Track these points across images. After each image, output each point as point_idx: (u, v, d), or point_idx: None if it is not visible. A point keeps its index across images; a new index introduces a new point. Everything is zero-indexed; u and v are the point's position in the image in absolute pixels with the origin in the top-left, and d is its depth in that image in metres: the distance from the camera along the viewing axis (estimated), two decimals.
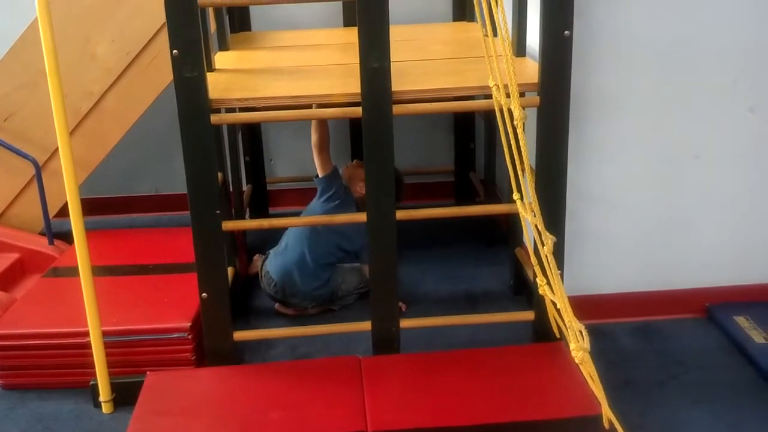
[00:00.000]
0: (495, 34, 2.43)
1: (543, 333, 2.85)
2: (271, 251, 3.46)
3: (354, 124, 4.34)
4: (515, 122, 2.13)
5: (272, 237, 3.66)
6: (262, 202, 4.43)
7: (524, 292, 3.41)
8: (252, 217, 4.27)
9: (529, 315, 2.92)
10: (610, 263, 3.19)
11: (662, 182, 3.08)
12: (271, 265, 3.38)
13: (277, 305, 3.43)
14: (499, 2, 2.32)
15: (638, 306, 3.21)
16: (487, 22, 2.38)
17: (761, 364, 2.84)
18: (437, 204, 4.24)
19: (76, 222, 2.61)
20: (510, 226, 3.58)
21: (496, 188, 3.90)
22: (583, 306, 3.15)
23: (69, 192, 2.59)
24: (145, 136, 4.16)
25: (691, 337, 3.10)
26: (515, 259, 3.43)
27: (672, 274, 3.20)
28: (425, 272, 3.73)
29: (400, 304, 3.36)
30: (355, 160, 3.63)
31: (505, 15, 2.32)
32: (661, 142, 3.02)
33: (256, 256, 3.70)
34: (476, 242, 4.04)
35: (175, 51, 2.48)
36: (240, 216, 3.73)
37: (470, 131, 4.34)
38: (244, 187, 4.10)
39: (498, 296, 3.51)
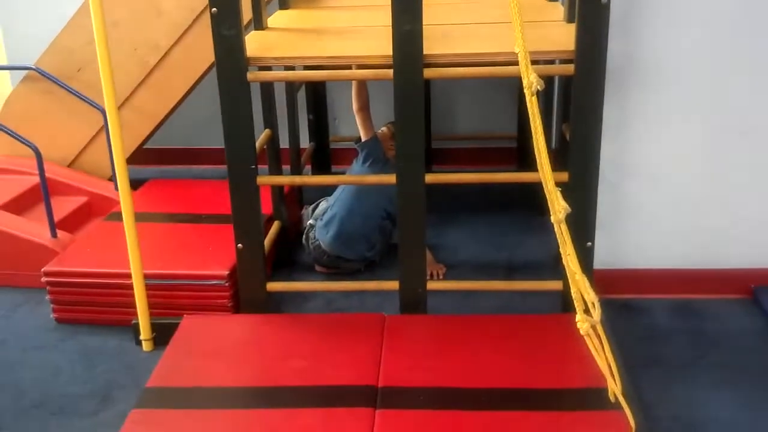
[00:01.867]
0: None
1: (571, 303, 2.82)
2: (317, 222, 3.48)
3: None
4: (525, 91, 2.12)
5: (330, 193, 3.68)
6: (324, 160, 4.52)
7: None
8: (314, 173, 4.38)
9: (557, 284, 2.90)
10: (652, 238, 3.12)
11: (708, 157, 2.99)
12: (321, 236, 3.41)
13: (318, 267, 3.52)
14: None
15: (679, 283, 3.14)
16: None
17: None
18: (498, 169, 4.23)
19: (120, 169, 2.75)
20: None
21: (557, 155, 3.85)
22: (622, 280, 3.15)
23: (113, 139, 2.74)
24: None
25: (730, 318, 3.02)
26: None
27: (717, 252, 3.11)
28: (471, 237, 3.74)
29: (441, 266, 3.42)
30: (388, 123, 3.65)
31: None
32: (707, 116, 2.93)
33: (303, 210, 3.80)
34: (529, 210, 4.01)
35: (214, 9, 2.56)
36: (297, 172, 3.83)
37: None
38: (306, 145, 4.20)
39: (539, 265, 3.50)
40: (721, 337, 2.91)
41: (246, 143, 2.74)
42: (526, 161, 4.33)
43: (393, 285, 2.91)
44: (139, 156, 4.16)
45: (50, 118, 3.99)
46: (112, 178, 3.98)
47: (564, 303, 2.90)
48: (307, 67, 2.88)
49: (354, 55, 2.69)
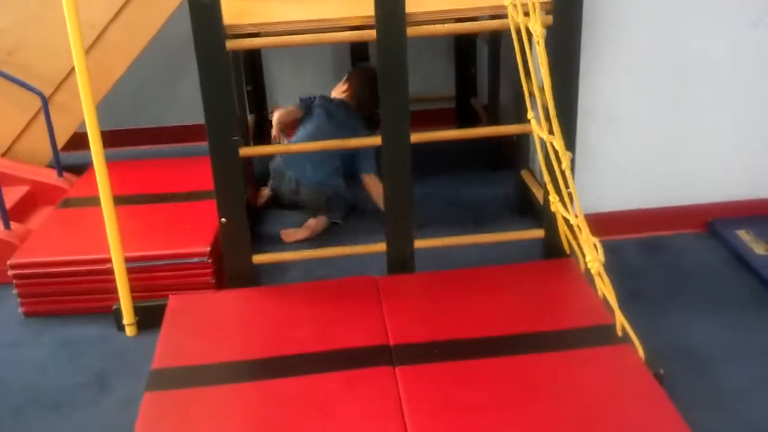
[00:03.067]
0: None
1: (553, 250, 2.93)
2: (277, 157, 3.64)
3: (356, 48, 4.36)
4: (536, 39, 2.16)
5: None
6: (263, 131, 4.45)
7: (531, 213, 3.48)
8: (256, 144, 4.30)
9: (539, 233, 2.99)
10: (615, 181, 3.25)
11: (666, 97, 3.12)
12: (283, 161, 3.56)
13: (282, 233, 3.51)
14: None
15: (643, 222, 3.30)
16: None
17: (763, 275, 2.94)
18: (439, 130, 4.29)
19: (96, 149, 2.63)
20: (515, 149, 3.64)
21: (498, 113, 3.94)
22: (589, 223, 3.27)
23: (88, 117, 2.61)
24: (145, 69, 4.15)
25: (694, 252, 3.21)
26: (521, 181, 3.49)
27: (676, 190, 3.28)
28: (431, 196, 3.79)
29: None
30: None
31: None
32: (664, 56, 3.05)
33: (265, 190, 3.76)
34: (479, 167, 4.10)
35: None
36: (247, 144, 3.77)
37: (471, 56, 4.36)
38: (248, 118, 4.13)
39: (504, 218, 3.58)
40: (691, 270, 3.09)
41: (227, 114, 2.67)
42: (466, 120, 4.44)
43: (380, 247, 2.93)
44: (76, 140, 3.97)
45: None
46: (53, 165, 3.81)
47: (546, 249, 3.00)
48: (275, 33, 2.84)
49: (335, 17, 2.66)
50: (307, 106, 3.70)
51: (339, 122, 3.60)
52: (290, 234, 3.50)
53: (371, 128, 3.71)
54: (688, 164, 3.24)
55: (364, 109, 3.75)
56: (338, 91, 3.84)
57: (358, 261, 3.17)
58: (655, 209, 3.29)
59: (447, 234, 3.35)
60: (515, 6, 2.38)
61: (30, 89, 3.65)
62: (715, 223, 3.29)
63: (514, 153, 3.70)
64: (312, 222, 3.53)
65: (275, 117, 3.68)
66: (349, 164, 3.57)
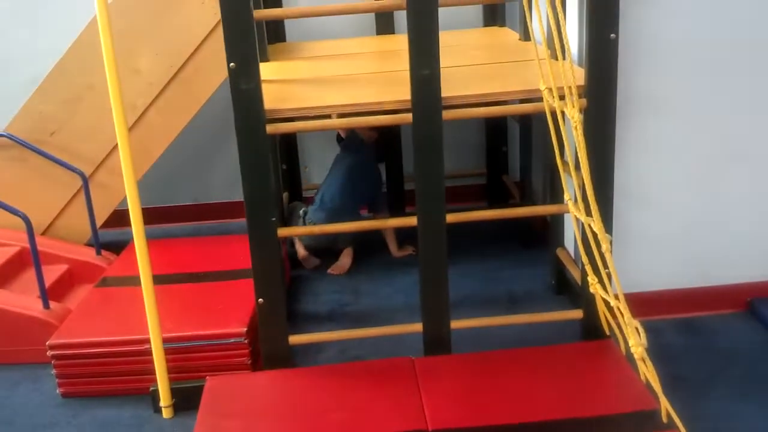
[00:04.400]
0: (528, 39, 2.47)
1: (592, 331, 2.90)
2: (309, 209, 3.96)
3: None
4: (574, 124, 2.19)
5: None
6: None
7: (566, 292, 3.46)
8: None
9: (577, 314, 2.97)
10: (651, 260, 3.23)
11: (701, 180, 3.13)
12: (316, 217, 3.86)
13: (301, 256, 3.95)
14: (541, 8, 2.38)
15: (680, 302, 3.26)
16: (537, 27, 2.44)
17: None
18: (470, 207, 4.31)
19: (137, 230, 2.67)
20: (548, 228, 3.64)
21: (531, 191, 3.95)
22: (627, 304, 3.24)
23: (129, 196, 2.65)
24: (184, 147, 4.24)
25: (734, 332, 3.15)
26: (556, 260, 3.48)
27: (714, 269, 3.25)
28: (464, 275, 3.78)
29: (408, 248, 4.02)
30: None
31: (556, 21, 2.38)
32: (700, 141, 3.07)
33: (306, 255, 3.99)
34: (510, 245, 4.10)
35: (232, 64, 2.54)
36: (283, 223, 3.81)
37: (503, 135, 4.40)
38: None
39: (539, 297, 3.56)
40: (731, 351, 3.03)
41: (266, 196, 2.71)
42: (497, 197, 4.46)
43: (416, 327, 2.92)
44: (113, 217, 4.03)
45: (22, 184, 3.84)
46: (92, 243, 3.86)
47: (584, 331, 2.97)
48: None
49: (372, 101, 2.71)
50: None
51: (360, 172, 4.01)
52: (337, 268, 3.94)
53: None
54: (725, 243, 3.22)
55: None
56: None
57: (393, 339, 3.15)
58: (693, 289, 3.25)
59: (481, 313, 3.33)
60: (551, 90, 2.42)
61: (71, 169, 3.73)
62: (754, 302, 3.24)
63: (546, 231, 3.70)
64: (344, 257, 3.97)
65: None
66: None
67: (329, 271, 3.94)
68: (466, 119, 4.53)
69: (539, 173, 3.77)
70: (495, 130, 4.40)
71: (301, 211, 3.95)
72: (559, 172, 2.77)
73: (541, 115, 2.98)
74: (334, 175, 4.03)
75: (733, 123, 3.07)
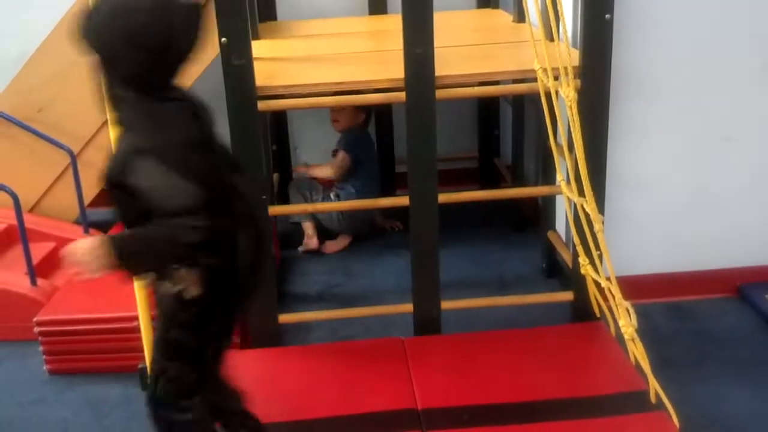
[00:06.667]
0: (522, 20, 2.45)
1: (582, 313, 2.90)
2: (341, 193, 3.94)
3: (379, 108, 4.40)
4: (568, 102, 2.18)
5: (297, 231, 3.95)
6: (287, 189, 4.46)
7: (557, 275, 3.46)
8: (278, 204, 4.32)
9: (567, 295, 2.97)
10: (642, 244, 3.22)
11: (693, 163, 3.12)
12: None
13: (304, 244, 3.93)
14: None
15: (671, 286, 3.26)
16: (532, 7, 2.43)
17: None
18: (462, 190, 4.29)
19: None
20: (539, 211, 3.64)
21: (523, 173, 3.94)
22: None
23: None
24: None
25: (724, 316, 3.16)
26: (547, 243, 3.47)
27: (705, 254, 3.25)
28: (455, 256, 3.75)
29: (394, 221, 4.08)
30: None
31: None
32: (691, 124, 3.06)
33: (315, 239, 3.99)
34: (502, 229, 4.08)
35: (224, 39, 2.52)
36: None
37: (495, 118, 4.38)
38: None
39: (530, 279, 3.56)
40: (720, 335, 3.04)
41: (258, 173, 2.69)
42: (489, 180, 4.44)
43: (407, 308, 2.91)
44: (102, 197, 3.99)
45: (10, 161, 3.79)
46: (79, 221, 3.83)
47: (574, 313, 2.97)
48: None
49: (365, 79, 2.69)
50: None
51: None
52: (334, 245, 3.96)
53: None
54: (716, 228, 3.21)
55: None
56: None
57: (383, 320, 3.15)
58: (684, 273, 3.25)
59: (472, 295, 3.32)
60: (545, 70, 2.40)
61: (59, 146, 3.68)
62: (744, 287, 3.25)
63: (537, 213, 3.70)
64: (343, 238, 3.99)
65: (335, 168, 3.93)
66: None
67: (323, 249, 3.95)
68: (459, 102, 4.53)
69: (531, 156, 3.76)
70: (487, 113, 4.38)
71: (332, 195, 3.92)
72: (550, 155, 2.76)
73: (533, 98, 2.98)
74: (363, 165, 3.97)
75: (725, 108, 3.06)
